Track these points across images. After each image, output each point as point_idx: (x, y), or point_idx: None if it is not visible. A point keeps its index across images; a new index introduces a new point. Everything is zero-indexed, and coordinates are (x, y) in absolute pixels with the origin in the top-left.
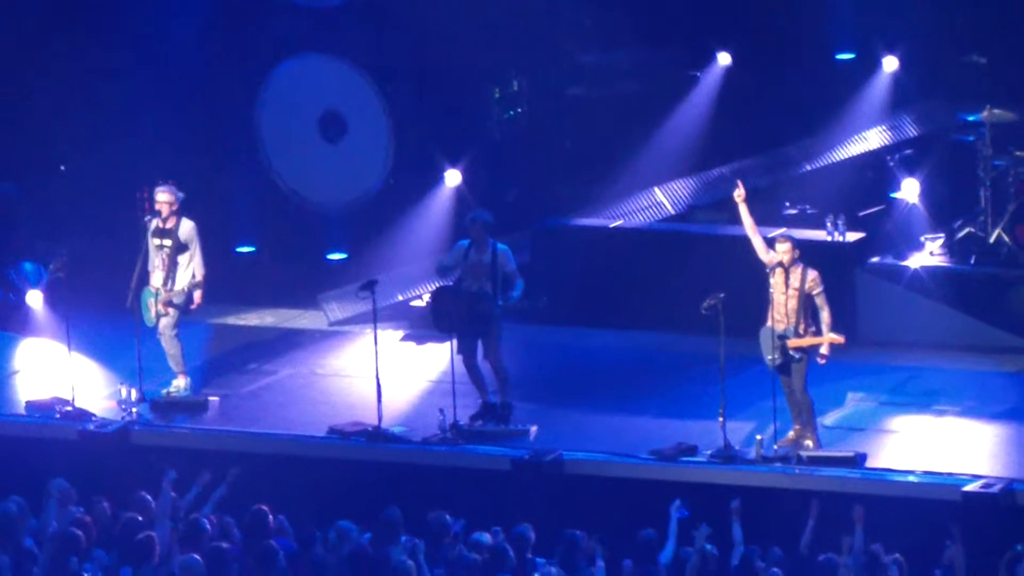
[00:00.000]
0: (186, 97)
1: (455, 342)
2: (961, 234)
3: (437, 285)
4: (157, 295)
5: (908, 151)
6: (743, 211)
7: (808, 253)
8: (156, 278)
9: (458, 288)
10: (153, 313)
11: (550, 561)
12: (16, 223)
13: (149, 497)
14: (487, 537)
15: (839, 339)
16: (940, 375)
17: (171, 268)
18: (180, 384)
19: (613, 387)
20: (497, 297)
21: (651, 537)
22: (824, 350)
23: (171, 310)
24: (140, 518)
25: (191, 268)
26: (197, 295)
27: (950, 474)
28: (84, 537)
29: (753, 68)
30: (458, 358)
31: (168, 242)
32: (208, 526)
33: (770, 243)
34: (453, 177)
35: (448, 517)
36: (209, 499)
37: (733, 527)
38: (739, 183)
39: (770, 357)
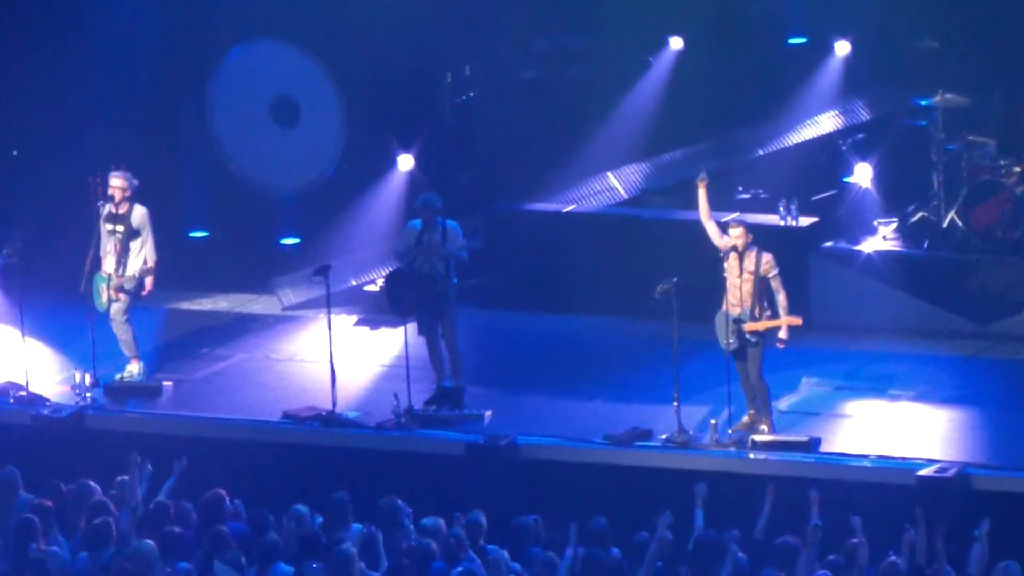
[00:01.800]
0: (139, 82)
1: (413, 325)
2: (914, 218)
3: (391, 269)
4: (109, 280)
5: (861, 135)
6: (702, 197)
7: (761, 238)
8: (108, 263)
9: (411, 270)
10: (105, 298)
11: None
12: None
13: (95, 485)
14: (440, 522)
15: (796, 321)
16: (894, 360)
17: (123, 254)
18: (134, 369)
19: (567, 372)
20: (451, 277)
21: (603, 526)
22: (783, 334)
23: (122, 296)
24: (107, 502)
25: (143, 254)
26: (148, 281)
27: (904, 459)
28: (41, 522)
29: (705, 53)
30: (418, 340)
31: (120, 228)
32: (172, 509)
33: (723, 228)
34: (406, 162)
35: (400, 501)
36: (160, 489)
37: (696, 512)
38: (703, 169)
39: (725, 342)
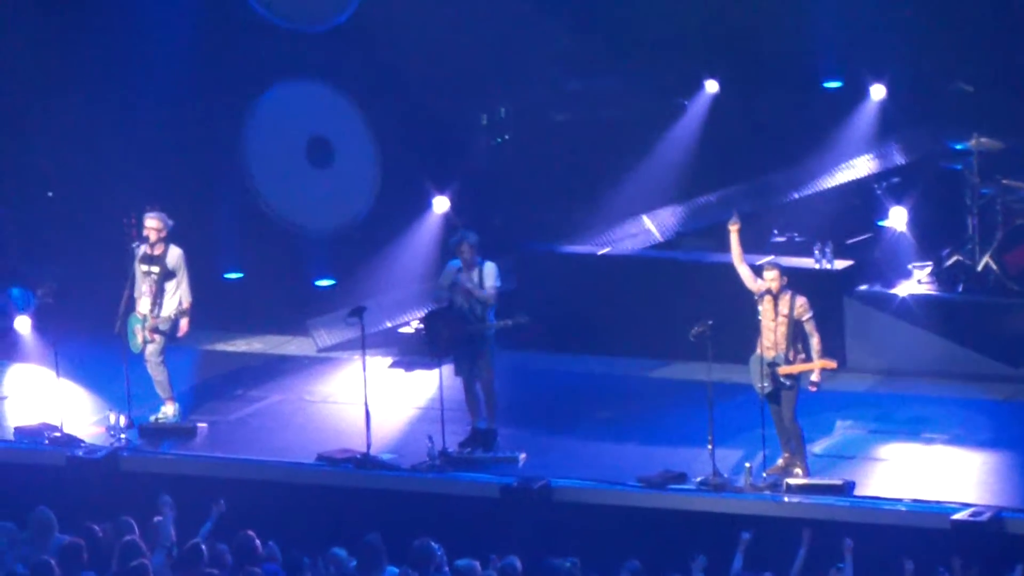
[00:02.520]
0: (174, 123)
1: (450, 366)
2: (949, 262)
3: (428, 309)
4: (144, 321)
5: (895, 179)
6: (734, 241)
7: (796, 281)
8: (143, 304)
9: (450, 309)
10: (140, 339)
11: None
12: (4, 248)
13: (134, 523)
14: (474, 564)
15: (831, 364)
16: (928, 403)
17: (158, 295)
18: (168, 410)
19: (601, 414)
20: (488, 317)
21: (637, 568)
22: (815, 376)
23: (157, 337)
24: (140, 543)
25: (178, 295)
26: (184, 323)
27: (939, 502)
28: (71, 562)
29: (741, 95)
30: (453, 383)
31: (156, 268)
32: (205, 553)
33: (757, 271)
34: (441, 203)
35: (433, 544)
36: (197, 531)
37: (736, 556)
38: (735, 212)
39: (760, 385)
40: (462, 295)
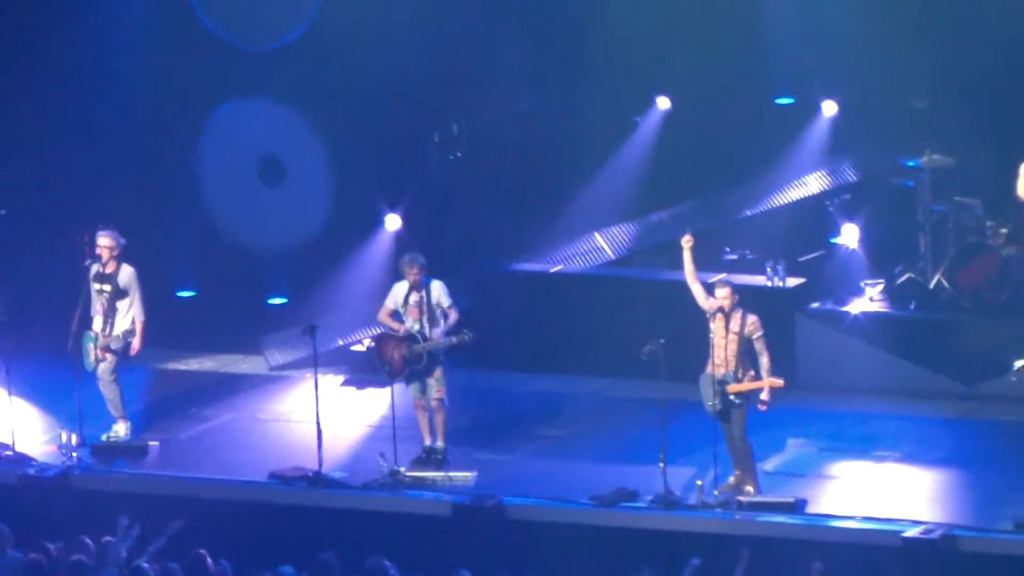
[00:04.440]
0: (126, 141)
1: (401, 385)
2: (901, 279)
3: (379, 329)
4: (97, 340)
5: (848, 196)
6: (687, 258)
7: (748, 298)
8: (96, 323)
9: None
10: (92, 358)
11: None
12: None
13: (90, 541)
14: None
15: (778, 382)
16: (880, 421)
17: (110, 313)
18: (120, 429)
19: (554, 432)
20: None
21: None
22: (764, 395)
23: (109, 355)
24: (87, 563)
25: (130, 314)
26: (135, 341)
27: (891, 520)
28: None
29: (692, 112)
30: (404, 401)
31: (108, 287)
32: (151, 574)
33: (710, 289)
34: (393, 222)
35: (387, 563)
36: (146, 550)
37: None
38: (688, 228)
39: (710, 403)
40: (412, 314)
